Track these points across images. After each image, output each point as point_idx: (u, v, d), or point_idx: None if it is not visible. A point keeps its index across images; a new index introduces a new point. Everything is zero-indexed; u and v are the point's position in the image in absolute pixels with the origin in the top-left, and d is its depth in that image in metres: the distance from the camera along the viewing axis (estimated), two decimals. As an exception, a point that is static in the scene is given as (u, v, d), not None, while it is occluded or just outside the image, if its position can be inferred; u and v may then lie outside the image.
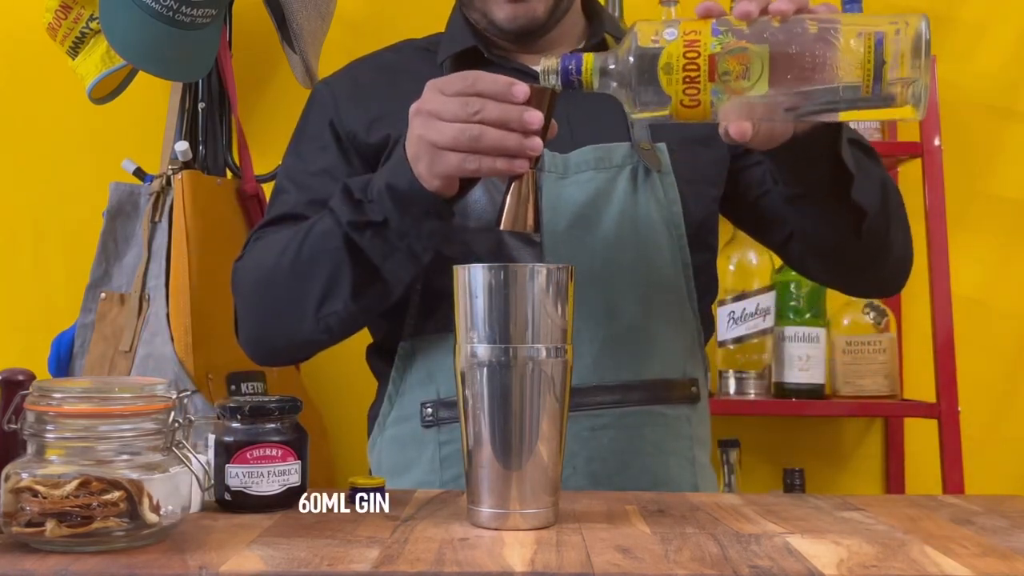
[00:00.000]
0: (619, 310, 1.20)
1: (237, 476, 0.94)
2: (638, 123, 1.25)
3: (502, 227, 1.00)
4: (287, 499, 0.96)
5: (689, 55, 0.90)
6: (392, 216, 1.07)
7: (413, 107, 1.04)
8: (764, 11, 0.91)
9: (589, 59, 0.96)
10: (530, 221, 1.00)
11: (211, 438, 0.96)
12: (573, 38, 1.32)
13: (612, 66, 0.95)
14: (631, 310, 1.20)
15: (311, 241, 1.15)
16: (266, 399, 0.99)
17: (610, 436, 1.19)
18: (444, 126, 1.00)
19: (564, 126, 1.24)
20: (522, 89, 0.98)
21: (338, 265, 1.12)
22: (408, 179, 1.05)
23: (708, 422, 1.31)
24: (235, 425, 0.96)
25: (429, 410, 1.22)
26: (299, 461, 0.97)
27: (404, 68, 1.32)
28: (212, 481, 0.95)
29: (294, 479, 0.97)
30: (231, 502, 0.95)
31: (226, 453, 0.95)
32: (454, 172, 1.02)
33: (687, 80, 0.90)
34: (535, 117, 0.98)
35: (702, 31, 0.90)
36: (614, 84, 0.95)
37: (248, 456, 0.94)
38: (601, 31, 1.30)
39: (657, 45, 0.91)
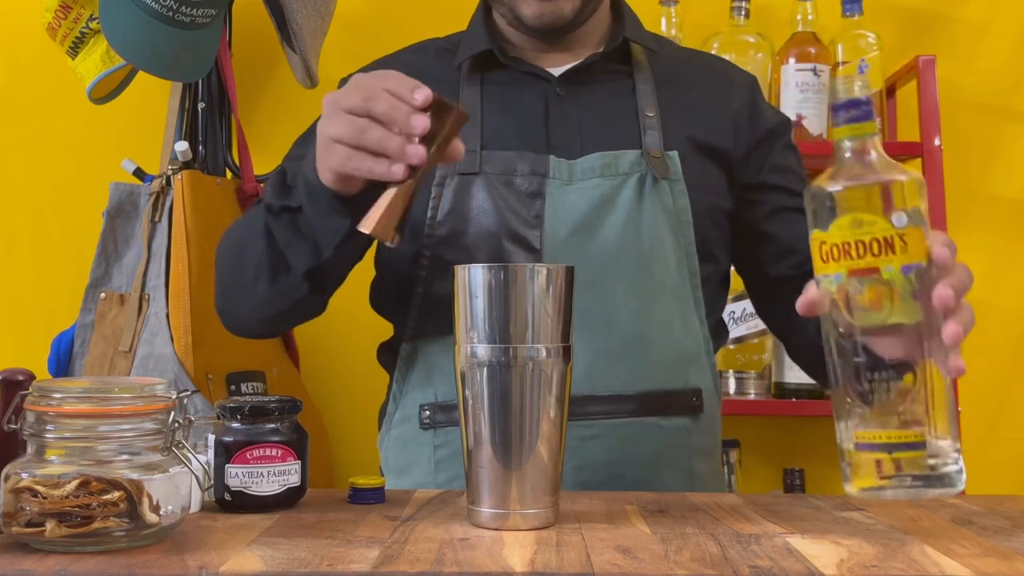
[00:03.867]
0: (616, 320, 1.18)
1: (237, 476, 0.94)
2: (651, 130, 1.24)
3: (360, 228, 0.98)
4: (287, 499, 0.96)
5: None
6: (306, 205, 1.08)
7: (327, 96, 1.03)
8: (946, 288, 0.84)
9: None
10: (391, 232, 0.98)
11: (211, 438, 0.96)
12: (596, 40, 1.31)
13: None
14: (629, 320, 1.19)
15: (247, 221, 1.18)
16: (266, 399, 0.99)
17: (600, 446, 1.17)
18: (339, 117, 0.99)
19: (575, 132, 1.24)
20: (424, 93, 0.97)
21: (262, 247, 1.15)
22: (313, 170, 1.05)
23: (715, 432, 1.28)
24: (235, 425, 0.96)
25: (427, 413, 1.22)
26: (299, 461, 0.97)
27: (423, 71, 1.31)
28: (212, 481, 0.95)
29: (294, 479, 0.97)
30: (231, 502, 0.95)
31: (226, 453, 0.95)
32: (338, 168, 1.01)
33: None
34: (419, 122, 0.96)
35: (880, 264, 0.83)
36: None
37: (248, 456, 0.94)
38: (621, 34, 1.29)
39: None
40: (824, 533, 0.88)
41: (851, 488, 0.86)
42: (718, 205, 1.27)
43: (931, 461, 0.83)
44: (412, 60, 1.34)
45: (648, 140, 1.23)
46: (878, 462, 0.83)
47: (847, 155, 0.86)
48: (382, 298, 1.32)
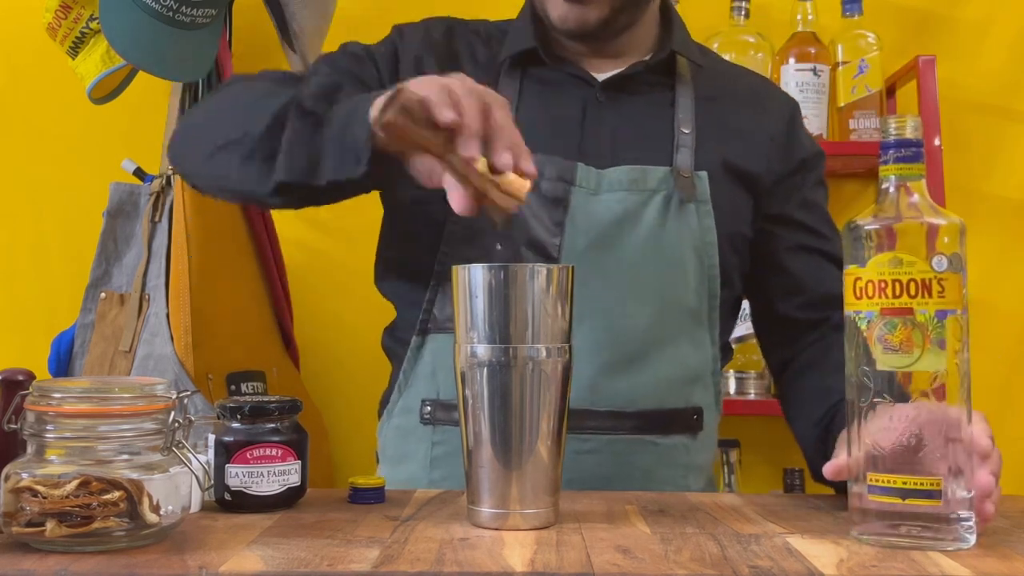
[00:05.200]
0: (624, 337, 1.17)
1: (237, 476, 0.94)
2: (684, 148, 1.22)
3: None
4: (287, 499, 0.96)
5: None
6: (337, 126, 1.01)
7: (459, 75, 0.95)
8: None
9: None
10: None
11: (211, 438, 0.96)
12: (643, 48, 1.29)
13: None
14: (638, 338, 1.17)
15: (262, 91, 1.12)
16: (266, 399, 0.99)
17: (595, 461, 1.16)
18: (442, 91, 0.91)
19: (608, 140, 1.22)
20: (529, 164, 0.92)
21: (261, 126, 1.07)
22: (368, 102, 0.98)
23: (712, 448, 1.27)
24: (235, 425, 0.96)
25: (428, 408, 1.22)
26: (299, 461, 0.97)
27: (466, 49, 1.28)
28: (212, 481, 0.95)
29: (294, 479, 0.97)
30: (231, 502, 0.95)
31: (226, 453, 0.95)
32: (397, 114, 0.90)
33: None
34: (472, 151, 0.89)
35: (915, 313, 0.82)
36: None
37: (248, 456, 0.94)
38: (668, 45, 1.27)
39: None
40: (824, 533, 0.88)
41: (857, 532, 0.85)
42: (740, 232, 1.26)
43: (945, 512, 0.81)
44: (459, 35, 1.29)
45: (680, 158, 1.21)
46: (890, 507, 0.82)
47: (891, 193, 0.86)
48: (397, 286, 1.31)
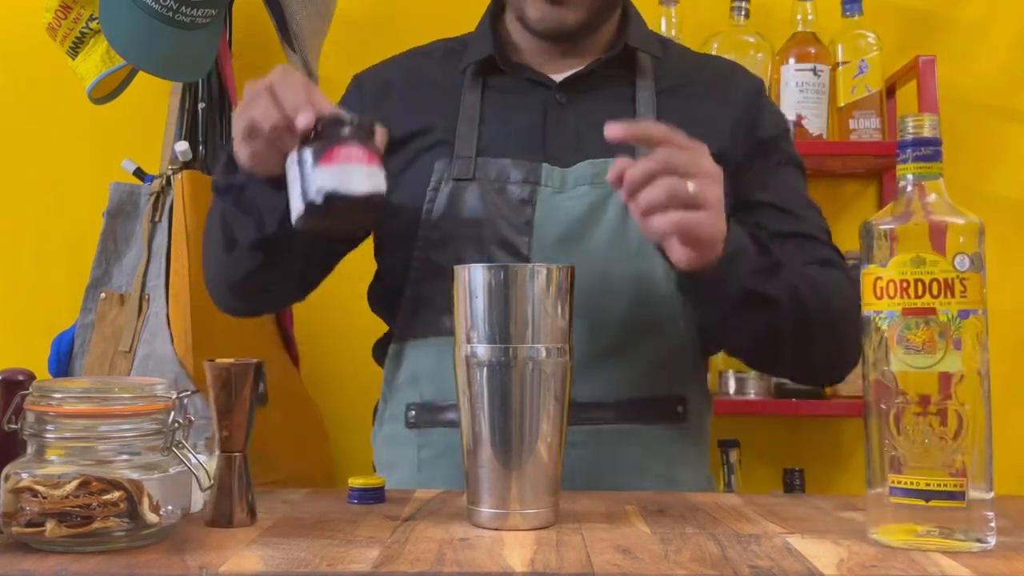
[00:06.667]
0: (601, 330, 1.17)
1: (327, 175, 0.93)
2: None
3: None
4: (375, 206, 0.95)
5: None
6: (247, 183, 1.12)
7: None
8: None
9: None
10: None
11: (292, 155, 0.96)
12: (602, 44, 1.29)
13: None
14: (613, 330, 1.18)
15: (214, 201, 1.23)
16: (340, 114, 0.98)
17: (578, 454, 1.14)
18: (243, 105, 1.06)
19: (571, 140, 1.23)
20: (305, 118, 0.97)
21: (217, 221, 1.20)
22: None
23: (702, 440, 1.26)
24: (311, 142, 0.95)
25: (412, 413, 1.22)
26: (383, 170, 0.96)
27: (425, 75, 1.31)
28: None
29: (380, 183, 0.95)
30: (319, 207, 0.94)
31: (313, 158, 0.94)
32: (238, 136, 1.06)
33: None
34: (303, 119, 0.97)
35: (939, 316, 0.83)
36: None
37: (336, 155, 0.93)
38: (623, 41, 1.26)
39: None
40: (824, 533, 0.88)
41: (877, 534, 0.84)
42: None
43: (968, 514, 0.81)
44: (416, 63, 1.34)
45: (641, 150, 1.21)
46: (912, 509, 0.81)
47: (909, 192, 0.86)
48: (376, 299, 1.32)
